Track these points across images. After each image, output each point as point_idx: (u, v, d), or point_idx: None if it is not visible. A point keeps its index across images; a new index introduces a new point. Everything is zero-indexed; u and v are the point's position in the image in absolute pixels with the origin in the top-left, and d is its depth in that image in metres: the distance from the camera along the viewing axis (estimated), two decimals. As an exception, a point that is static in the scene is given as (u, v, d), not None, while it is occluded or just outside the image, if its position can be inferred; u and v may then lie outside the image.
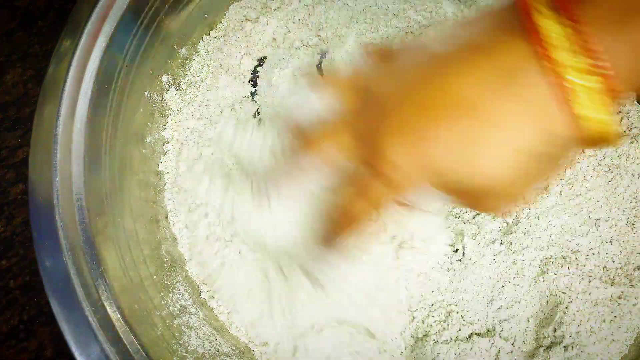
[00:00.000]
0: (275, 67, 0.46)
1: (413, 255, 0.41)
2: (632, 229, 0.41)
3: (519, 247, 0.41)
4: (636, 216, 0.42)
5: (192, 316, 0.40)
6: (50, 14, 0.52)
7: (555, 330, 0.40)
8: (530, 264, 0.41)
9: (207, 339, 0.40)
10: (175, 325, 0.39)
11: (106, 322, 0.34)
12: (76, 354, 0.33)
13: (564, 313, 0.40)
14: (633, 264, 0.41)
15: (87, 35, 0.39)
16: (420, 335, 0.41)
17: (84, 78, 0.38)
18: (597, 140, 0.22)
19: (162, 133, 0.45)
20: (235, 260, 0.41)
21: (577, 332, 0.39)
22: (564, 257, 0.41)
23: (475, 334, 0.40)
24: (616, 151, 0.43)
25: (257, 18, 0.48)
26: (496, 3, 0.24)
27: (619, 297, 0.40)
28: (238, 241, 0.41)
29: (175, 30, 0.45)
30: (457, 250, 0.42)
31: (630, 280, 0.40)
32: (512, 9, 0.23)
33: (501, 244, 0.42)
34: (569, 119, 0.22)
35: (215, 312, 0.42)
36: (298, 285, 0.38)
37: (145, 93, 0.44)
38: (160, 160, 0.44)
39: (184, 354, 0.38)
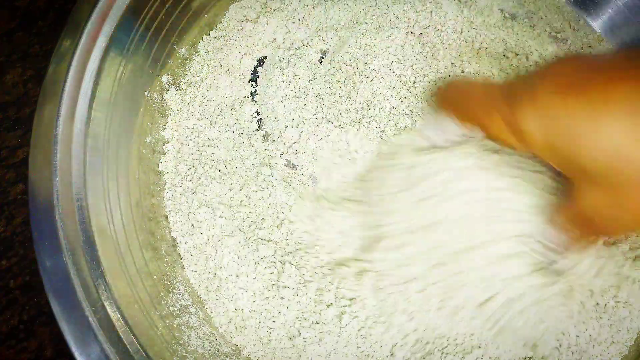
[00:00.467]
0: (275, 67, 0.46)
1: None
2: None
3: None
4: None
5: (192, 316, 0.40)
6: (50, 14, 0.52)
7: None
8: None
9: (207, 339, 0.40)
10: (175, 325, 0.39)
11: (106, 322, 0.34)
12: (76, 354, 0.33)
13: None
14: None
15: (87, 35, 0.39)
16: None
17: (84, 78, 0.38)
18: None
19: (162, 133, 0.45)
20: (235, 260, 0.41)
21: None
22: None
23: None
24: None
25: (257, 18, 0.48)
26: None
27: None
28: (238, 241, 0.41)
29: (175, 31, 0.45)
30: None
31: None
32: None
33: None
34: None
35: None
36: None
37: (145, 93, 0.44)
38: (160, 160, 0.44)
39: (184, 354, 0.38)
